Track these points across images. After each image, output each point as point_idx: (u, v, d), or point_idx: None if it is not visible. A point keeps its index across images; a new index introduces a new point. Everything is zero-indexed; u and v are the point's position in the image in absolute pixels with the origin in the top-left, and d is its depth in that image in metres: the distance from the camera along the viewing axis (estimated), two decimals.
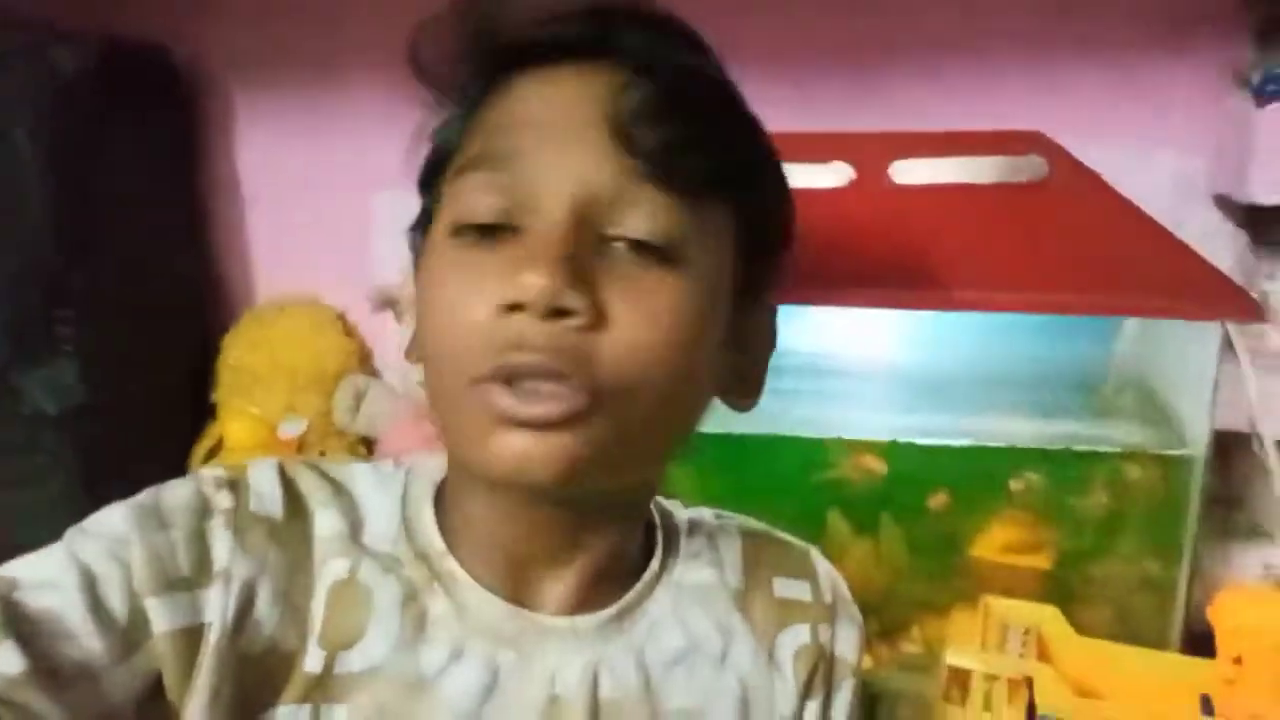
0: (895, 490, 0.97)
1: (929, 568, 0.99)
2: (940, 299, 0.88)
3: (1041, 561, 0.97)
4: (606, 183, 0.39)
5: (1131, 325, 0.99)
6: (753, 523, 0.55)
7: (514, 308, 0.38)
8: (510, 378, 0.38)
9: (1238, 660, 0.82)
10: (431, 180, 0.45)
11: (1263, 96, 1.00)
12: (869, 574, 1.01)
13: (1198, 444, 0.88)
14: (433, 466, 0.48)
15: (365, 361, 1.41)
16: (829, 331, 1.00)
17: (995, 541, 0.99)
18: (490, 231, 0.40)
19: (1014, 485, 0.94)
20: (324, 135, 1.31)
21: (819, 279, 0.89)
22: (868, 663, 0.94)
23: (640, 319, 0.39)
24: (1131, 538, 0.94)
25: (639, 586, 0.47)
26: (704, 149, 0.41)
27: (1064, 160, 0.93)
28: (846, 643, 0.52)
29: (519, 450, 0.38)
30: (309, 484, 0.45)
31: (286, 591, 0.42)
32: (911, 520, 0.98)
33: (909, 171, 0.97)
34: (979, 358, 0.97)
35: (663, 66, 0.41)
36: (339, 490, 0.46)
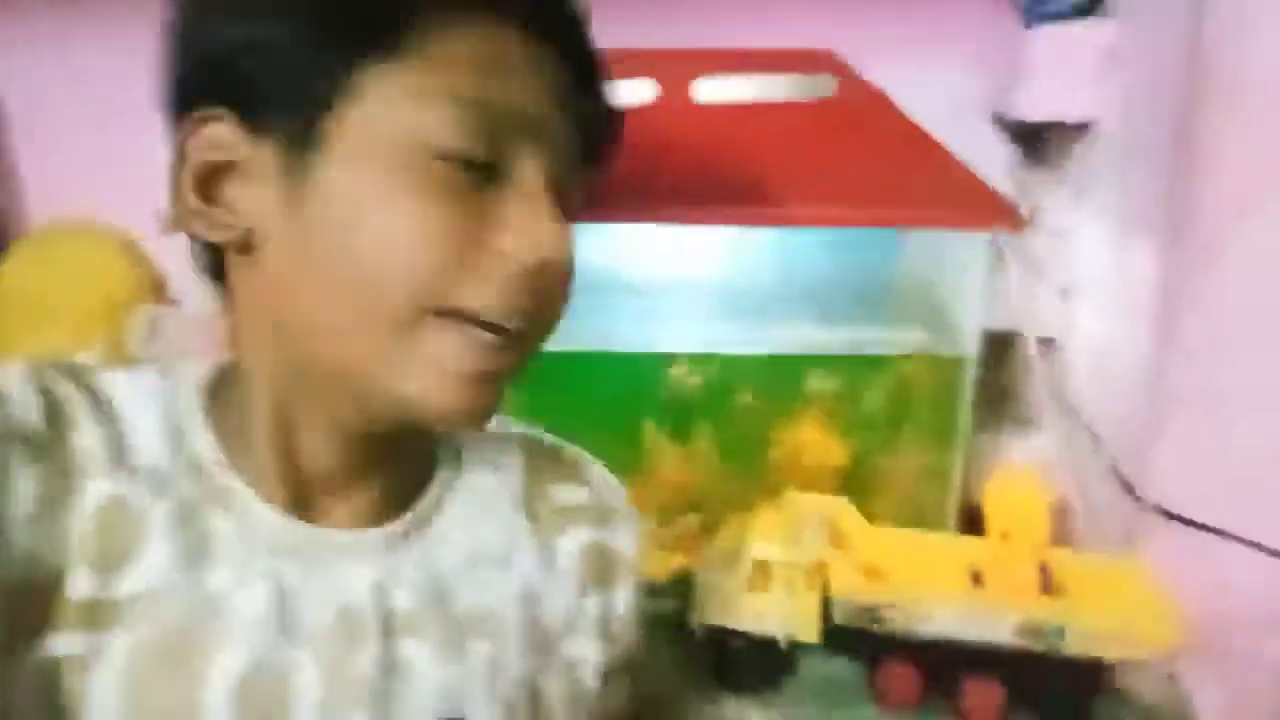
0: (706, 399, 1.02)
1: (738, 469, 1.05)
2: (741, 214, 0.93)
3: (834, 458, 1.05)
4: (565, 162, 0.44)
5: (914, 237, 1.06)
6: (529, 431, 0.57)
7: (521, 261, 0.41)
8: (469, 320, 0.41)
9: (1004, 536, 0.92)
10: (308, 86, 0.41)
11: (1031, 18, 1.07)
12: (686, 477, 1.06)
13: (969, 344, 0.97)
14: (197, 373, 0.47)
15: (159, 289, 1.34)
16: (638, 249, 1.03)
17: (794, 442, 1.06)
18: (474, 170, 0.41)
19: (810, 387, 1.00)
20: (88, 41, 1.20)
21: (627, 196, 0.91)
22: (685, 559, 1.00)
23: (567, 277, 0.44)
24: (913, 433, 1.03)
25: (425, 499, 0.49)
26: (610, 115, 0.48)
27: (852, 79, 0.98)
28: (624, 541, 0.54)
29: (469, 402, 0.42)
30: (65, 390, 0.42)
31: (44, 512, 0.39)
32: (722, 426, 1.03)
33: (710, 89, 0.99)
34: (777, 271, 1.02)
35: (578, 34, 0.46)
36: (98, 399, 0.43)
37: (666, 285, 1.06)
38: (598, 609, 0.53)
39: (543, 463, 0.54)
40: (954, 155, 0.94)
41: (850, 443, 1.04)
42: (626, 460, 1.00)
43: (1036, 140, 1.10)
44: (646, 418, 1.03)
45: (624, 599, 0.54)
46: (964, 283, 0.97)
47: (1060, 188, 1.10)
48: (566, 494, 0.54)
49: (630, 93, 0.99)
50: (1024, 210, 1.13)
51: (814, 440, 1.05)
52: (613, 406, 1.02)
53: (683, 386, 1.01)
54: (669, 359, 1.00)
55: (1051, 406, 1.09)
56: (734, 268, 1.04)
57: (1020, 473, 1.04)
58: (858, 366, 0.99)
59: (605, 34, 0.48)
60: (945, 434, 1.02)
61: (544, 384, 0.99)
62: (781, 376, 1.00)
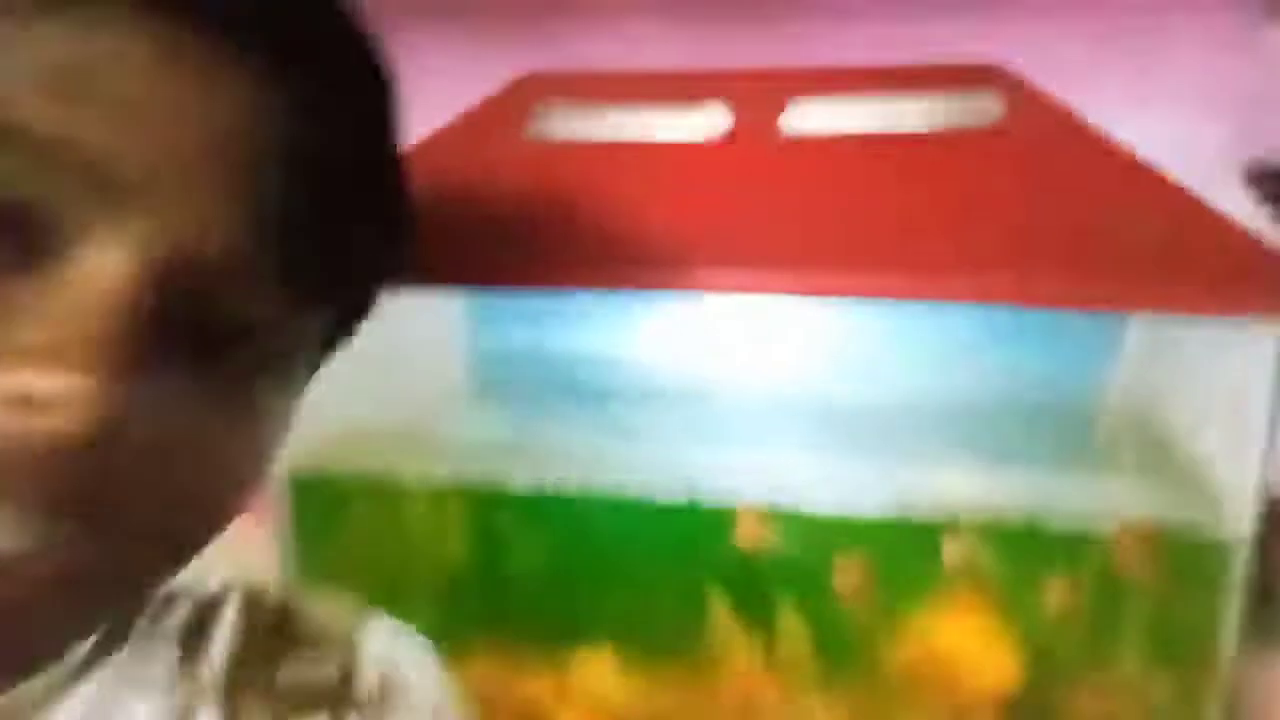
0: (787, 573, 0.66)
1: (837, 682, 0.69)
2: (852, 284, 0.59)
3: (997, 676, 0.67)
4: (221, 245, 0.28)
5: (1136, 334, 0.68)
6: (285, 591, 0.45)
7: None
8: None
9: None
10: None
11: None
12: (759, 688, 0.71)
13: (1237, 517, 0.58)
14: None
15: None
16: (688, 337, 0.69)
17: (931, 648, 0.69)
18: None
19: (950, 559, 0.63)
20: None
21: (672, 258, 0.60)
22: None
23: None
24: (1133, 648, 0.63)
25: (46, 680, 0.35)
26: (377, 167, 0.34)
27: (1028, 97, 0.64)
28: None
29: None
30: None
31: None
32: (812, 616, 0.67)
33: (806, 117, 0.67)
34: (908, 378, 0.66)
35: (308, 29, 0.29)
36: None
37: (732, 396, 0.71)
38: None
39: (277, 628, 0.43)
40: (1201, 201, 0.57)
41: (1024, 656, 0.66)
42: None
43: None
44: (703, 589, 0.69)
45: None
46: (1228, 412, 0.59)
47: None
48: (301, 671, 0.41)
49: (683, 125, 0.68)
50: None
51: (964, 646, 0.67)
52: (646, 579, 0.68)
53: (753, 553, 0.67)
54: (729, 514, 0.66)
55: None
56: (840, 372, 0.68)
57: None
58: (1039, 541, 0.61)
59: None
60: (1188, 654, 0.63)
61: (545, 532, 0.70)
62: (911, 546, 0.63)
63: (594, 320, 0.69)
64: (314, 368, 0.35)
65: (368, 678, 0.43)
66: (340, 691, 0.42)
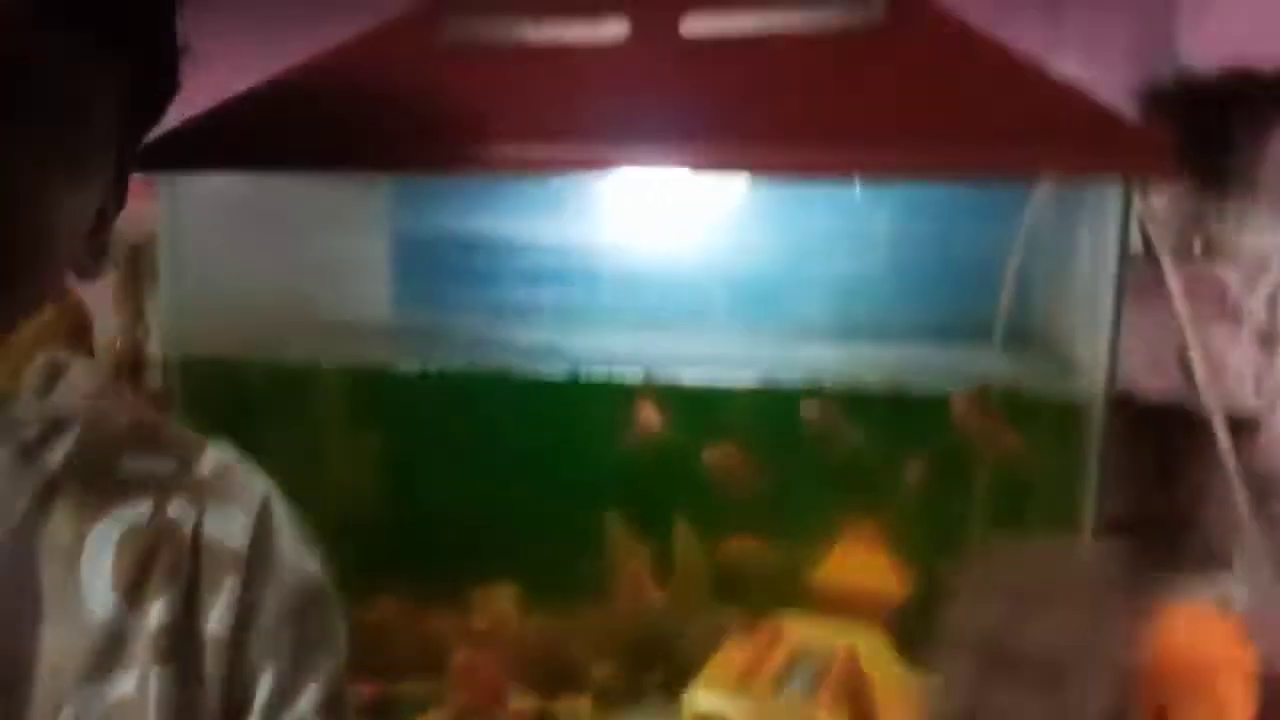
0: (682, 458, 0.66)
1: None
2: (741, 157, 0.60)
3: (881, 580, 0.66)
4: None
5: (999, 199, 0.67)
6: (143, 412, 0.44)
7: None
8: None
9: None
10: None
11: None
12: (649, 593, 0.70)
13: (1091, 381, 0.58)
14: None
15: (82, 333, 1.11)
16: (591, 216, 0.70)
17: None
18: None
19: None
20: None
21: (568, 135, 0.61)
22: None
23: None
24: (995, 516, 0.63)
25: None
26: None
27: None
28: (224, 527, 0.41)
29: None
30: None
31: None
32: (701, 506, 0.67)
33: (702, 24, 0.69)
34: (794, 251, 0.66)
35: None
36: None
37: (628, 271, 0.71)
38: (163, 619, 0.39)
39: (125, 436, 0.42)
40: (1068, 84, 0.59)
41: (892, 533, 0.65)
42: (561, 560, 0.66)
43: (1216, 111, 0.72)
44: (596, 488, 0.69)
45: (222, 610, 0.40)
46: (1090, 285, 0.59)
47: (1256, 190, 0.72)
48: (140, 464, 0.42)
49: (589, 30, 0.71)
50: (1198, 235, 0.75)
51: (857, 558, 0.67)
52: (538, 465, 0.68)
53: (650, 437, 0.67)
54: (627, 390, 0.66)
55: (1250, 528, 0.67)
56: (734, 248, 0.68)
57: (1197, 620, 0.62)
58: (908, 407, 0.62)
59: None
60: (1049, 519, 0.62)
61: (428, 417, 0.70)
62: (778, 415, 0.63)
63: (500, 204, 0.70)
64: (124, 140, 0.38)
65: (205, 465, 0.42)
66: (177, 478, 0.41)
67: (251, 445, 0.74)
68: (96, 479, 0.40)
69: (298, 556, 0.42)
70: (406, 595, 0.86)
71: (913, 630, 0.62)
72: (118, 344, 1.12)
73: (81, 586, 0.38)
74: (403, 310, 0.77)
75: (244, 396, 0.79)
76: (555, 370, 0.66)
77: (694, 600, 0.74)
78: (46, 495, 0.39)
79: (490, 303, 0.68)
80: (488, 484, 0.75)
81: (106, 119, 0.36)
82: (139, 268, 1.08)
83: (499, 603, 0.86)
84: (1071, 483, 0.59)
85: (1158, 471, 0.76)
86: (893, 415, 0.61)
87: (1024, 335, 0.65)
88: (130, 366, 1.11)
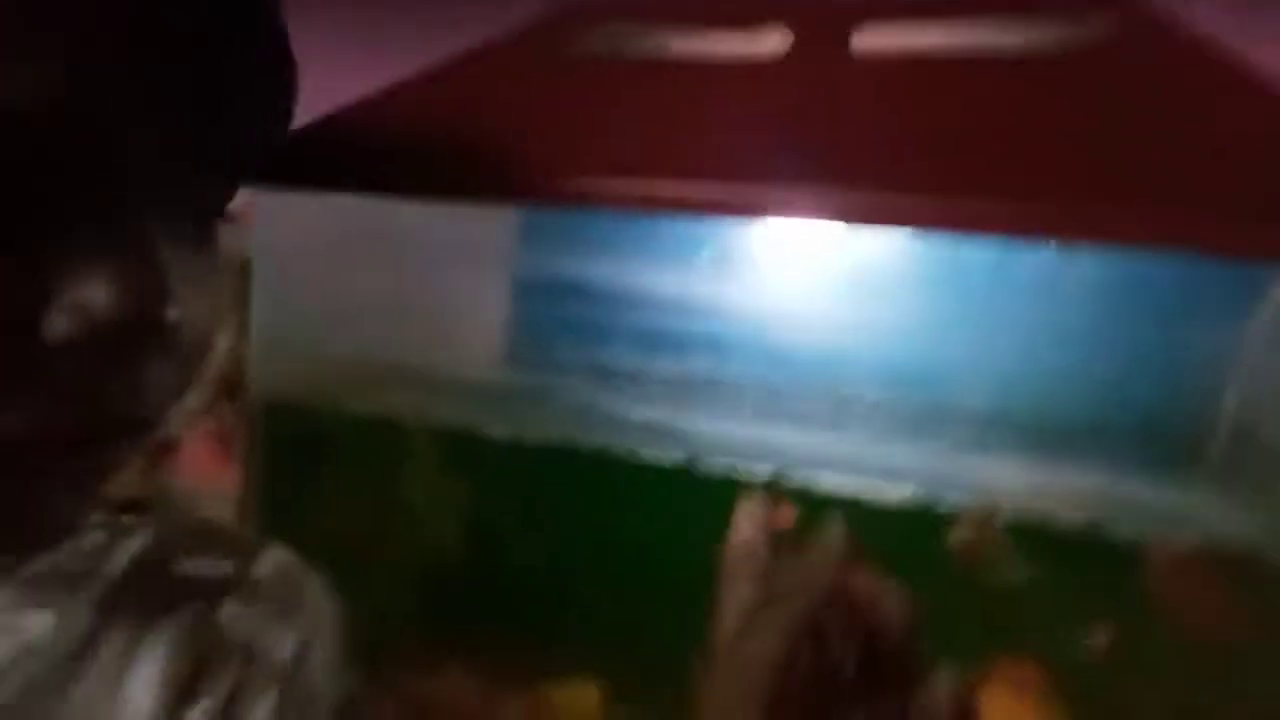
0: None
1: None
2: (927, 209, 0.47)
3: None
4: None
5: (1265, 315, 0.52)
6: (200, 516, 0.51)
7: None
8: None
9: None
10: None
11: None
12: None
13: None
14: None
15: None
16: (721, 279, 0.58)
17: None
18: None
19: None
20: None
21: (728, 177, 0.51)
22: None
23: None
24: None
25: None
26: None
27: (1144, 12, 0.52)
28: (273, 636, 0.41)
29: None
30: None
31: None
32: None
33: (880, 39, 0.57)
34: (971, 336, 0.52)
35: None
36: None
37: (765, 343, 0.59)
38: None
39: (181, 538, 0.43)
40: None
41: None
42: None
43: None
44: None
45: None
46: None
47: None
48: (197, 567, 0.42)
49: (743, 43, 0.60)
50: None
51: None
52: (637, 556, 0.58)
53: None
54: (750, 487, 0.54)
55: None
56: (898, 326, 0.55)
57: None
58: (1095, 549, 0.47)
59: None
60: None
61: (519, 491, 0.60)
62: (929, 538, 0.50)
63: (641, 252, 0.59)
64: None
65: (261, 567, 0.43)
66: (231, 581, 0.42)
67: (325, 502, 0.66)
68: (153, 584, 0.40)
69: (337, 671, 0.43)
70: (479, 672, 0.77)
71: None
72: (223, 362, 1.08)
73: (126, 696, 0.37)
74: (516, 363, 0.67)
75: (327, 447, 0.71)
76: (666, 456, 0.55)
77: None
78: (108, 604, 0.39)
79: (604, 366, 0.57)
80: (577, 568, 0.66)
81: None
82: (248, 283, 1.05)
83: (581, 701, 0.75)
84: None
85: None
86: (1073, 556, 0.47)
87: (1251, 471, 0.49)
88: (231, 387, 1.07)
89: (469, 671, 0.77)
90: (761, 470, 0.52)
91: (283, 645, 0.42)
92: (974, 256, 0.50)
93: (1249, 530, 0.44)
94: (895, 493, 0.48)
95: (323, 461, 0.70)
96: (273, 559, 0.44)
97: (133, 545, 0.41)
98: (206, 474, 1.01)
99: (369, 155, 0.63)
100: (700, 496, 0.55)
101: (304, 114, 0.63)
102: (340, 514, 0.73)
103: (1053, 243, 0.45)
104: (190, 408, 1.07)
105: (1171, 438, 0.48)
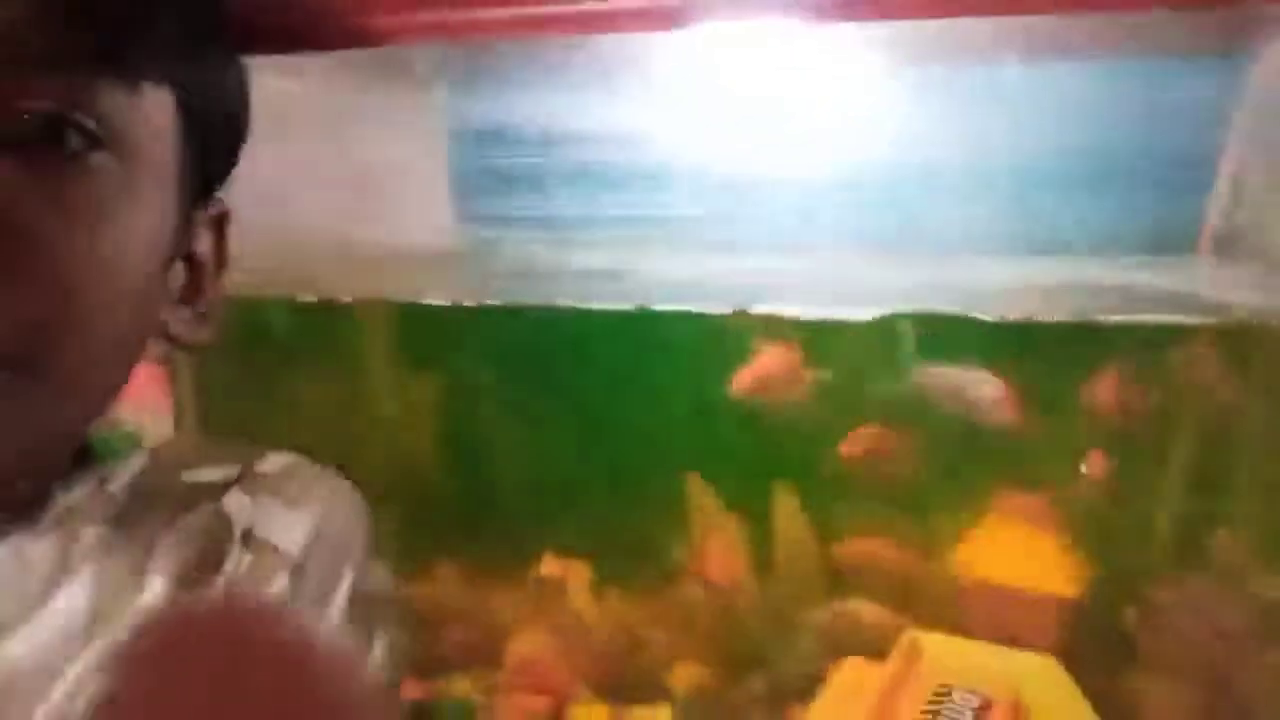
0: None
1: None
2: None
3: (1050, 576, 0.50)
4: None
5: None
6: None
7: None
8: None
9: None
10: None
11: None
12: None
13: None
14: None
15: None
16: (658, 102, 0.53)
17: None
18: None
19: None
20: None
21: None
22: None
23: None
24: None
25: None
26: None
27: None
28: (278, 527, 0.41)
29: None
30: None
31: None
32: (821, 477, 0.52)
33: None
34: (938, 141, 0.48)
35: None
36: None
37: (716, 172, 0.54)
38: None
39: (184, 456, 0.43)
40: None
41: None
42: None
43: None
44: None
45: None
46: None
47: None
48: (204, 474, 0.41)
49: None
50: None
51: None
52: (612, 417, 0.55)
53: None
54: (744, 324, 0.51)
55: None
56: (858, 137, 0.50)
57: None
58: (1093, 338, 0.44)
59: None
60: None
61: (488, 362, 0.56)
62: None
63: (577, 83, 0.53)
64: (193, 184, 0.36)
65: (267, 464, 0.43)
66: (237, 479, 0.42)
67: (288, 396, 0.62)
68: (161, 493, 0.41)
69: (361, 563, 0.42)
70: (466, 563, 0.75)
71: (1095, 652, 0.46)
72: None
73: (144, 586, 0.39)
74: (462, 223, 0.62)
75: (273, 340, 0.67)
76: (623, 304, 0.51)
77: (800, 592, 0.60)
78: (117, 523, 0.40)
79: (547, 216, 0.53)
80: (555, 438, 0.63)
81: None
82: None
83: (566, 583, 0.74)
84: None
85: None
86: (1073, 348, 0.44)
87: (1241, 244, 0.47)
88: None
89: (457, 563, 0.75)
90: (722, 307, 0.48)
91: (291, 533, 0.42)
92: (927, 65, 0.46)
93: (1249, 303, 0.42)
94: (867, 314, 0.45)
95: (270, 357, 0.65)
96: (279, 458, 0.44)
97: (133, 464, 0.42)
98: (148, 401, 0.96)
99: (269, 17, 0.57)
100: (664, 343, 0.51)
101: None
102: (297, 415, 0.69)
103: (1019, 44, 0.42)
104: None
105: (1165, 226, 0.45)
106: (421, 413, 0.72)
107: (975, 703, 0.40)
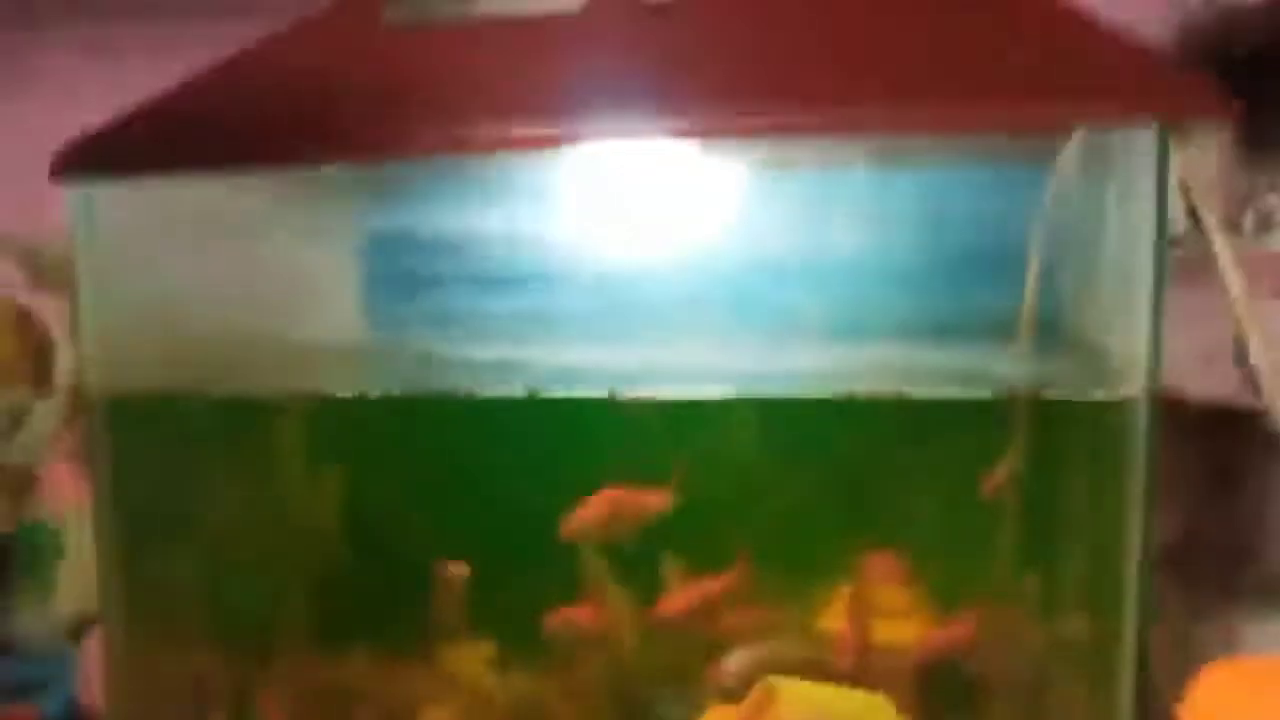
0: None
1: None
2: (723, 119, 0.51)
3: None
4: None
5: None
6: None
7: None
8: None
9: None
10: None
11: None
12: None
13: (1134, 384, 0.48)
14: None
15: (43, 362, 1.04)
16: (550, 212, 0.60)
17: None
18: None
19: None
20: None
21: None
22: None
23: None
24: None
25: None
26: None
27: None
28: None
29: None
30: None
31: None
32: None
33: None
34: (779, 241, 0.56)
35: None
36: None
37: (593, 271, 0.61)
38: None
39: None
40: (1090, 20, 0.50)
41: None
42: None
43: (1265, 52, 0.62)
44: None
45: None
46: (1126, 266, 0.50)
47: None
48: None
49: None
50: (1251, 207, 0.65)
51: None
52: (509, 498, 0.60)
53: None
54: (595, 408, 0.57)
55: None
56: (714, 240, 0.58)
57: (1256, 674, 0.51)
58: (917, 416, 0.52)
59: None
60: (1107, 585, 0.52)
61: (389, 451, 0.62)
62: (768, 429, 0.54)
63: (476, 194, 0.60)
64: None
65: None
66: None
67: (195, 491, 0.65)
68: None
69: None
70: (379, 650, 0.77)
71: (941, 693, 0.52)
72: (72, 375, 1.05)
73: None
74: (370, 323, 0.67)
75: (182, 436, 0.70)
76: (513, 389, 0.57)
77: (690, 653, 0.65)
78: None
79: (449, 314, 0.59)
80: (459, 522, 0.67)
81: None
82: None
83: (471, 661, 0.77)
84: (1114, 503, 0.49)
85: (1212, 485, 0.66)
86: (900, 426, 0.52)
87: (1051, 330, 0.55)
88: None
89: (372, 652, 0.77)
90: (599, 390, 0.55)
91: None
92: (771, 175, 0.54)
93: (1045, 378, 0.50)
94: (720, 391, 0.52)
95: (180, 452, 0.69)
96: None
97: None
98: (71, 496, 0.98)
99: (183, 136, 0.63)
100: (550, 425, 0.57)
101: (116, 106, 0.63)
102: (213, 506, 0.72)
103: (839, 139, 0.50)
104: (43, 432, 1.03)
105: (978, 310, 0.53)
106: (329, 501, 0.75)
107: None
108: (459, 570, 0.68)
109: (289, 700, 0.74)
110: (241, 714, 0.72)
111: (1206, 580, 0.59)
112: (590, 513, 0.63)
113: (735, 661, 0.62)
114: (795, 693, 0.48)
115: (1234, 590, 0.64)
